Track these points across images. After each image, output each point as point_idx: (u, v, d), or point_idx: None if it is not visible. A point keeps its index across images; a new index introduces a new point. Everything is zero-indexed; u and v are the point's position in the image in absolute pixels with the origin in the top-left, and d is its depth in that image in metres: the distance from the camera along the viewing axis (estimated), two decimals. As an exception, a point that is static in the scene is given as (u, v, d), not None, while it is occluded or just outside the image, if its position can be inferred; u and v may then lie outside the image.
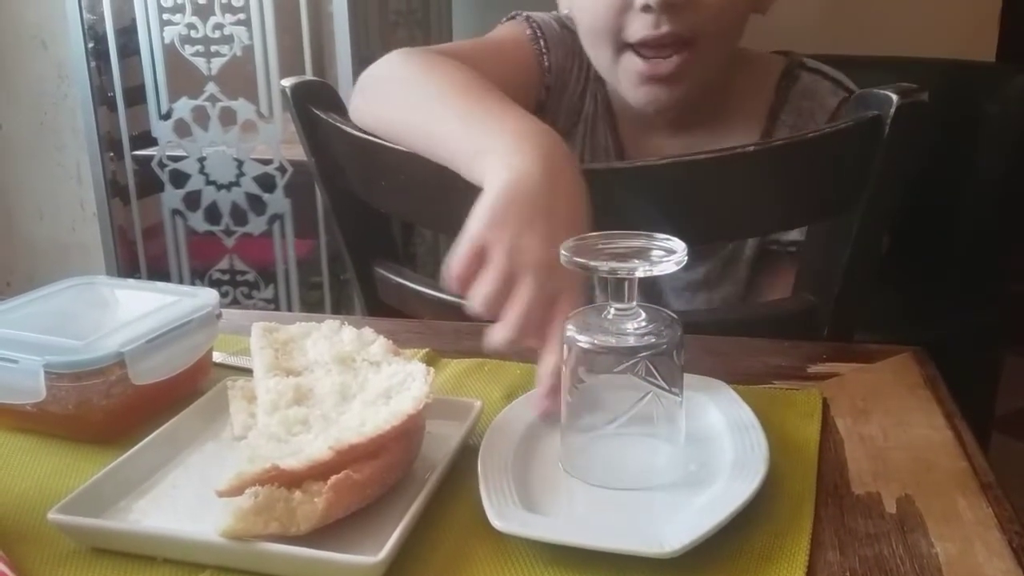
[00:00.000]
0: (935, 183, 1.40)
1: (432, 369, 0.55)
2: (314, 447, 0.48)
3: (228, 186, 1.75)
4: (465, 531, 0.49)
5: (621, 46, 0.87)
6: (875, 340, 0.73)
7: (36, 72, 2.19)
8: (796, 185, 0.75)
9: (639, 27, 0.85)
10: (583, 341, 0.52)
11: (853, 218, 0.73)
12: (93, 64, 1.76)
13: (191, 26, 1.67)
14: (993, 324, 1.54)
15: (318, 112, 0.89)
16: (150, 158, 1.77)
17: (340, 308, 1.81)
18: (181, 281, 1.84)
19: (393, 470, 0.51)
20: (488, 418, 0.58)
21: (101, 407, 0.58)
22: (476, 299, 0.59)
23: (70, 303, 0.68)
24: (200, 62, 1.68)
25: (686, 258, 0.53)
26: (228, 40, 1.66)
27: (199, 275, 1.84)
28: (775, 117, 0.93)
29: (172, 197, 1.78)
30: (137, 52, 1.71)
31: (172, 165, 1.76)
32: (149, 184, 1.81)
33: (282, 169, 1.72)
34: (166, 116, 1.73)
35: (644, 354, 0.52)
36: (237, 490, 0.46)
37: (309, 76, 1.19)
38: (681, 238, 0.54)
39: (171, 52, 1.69)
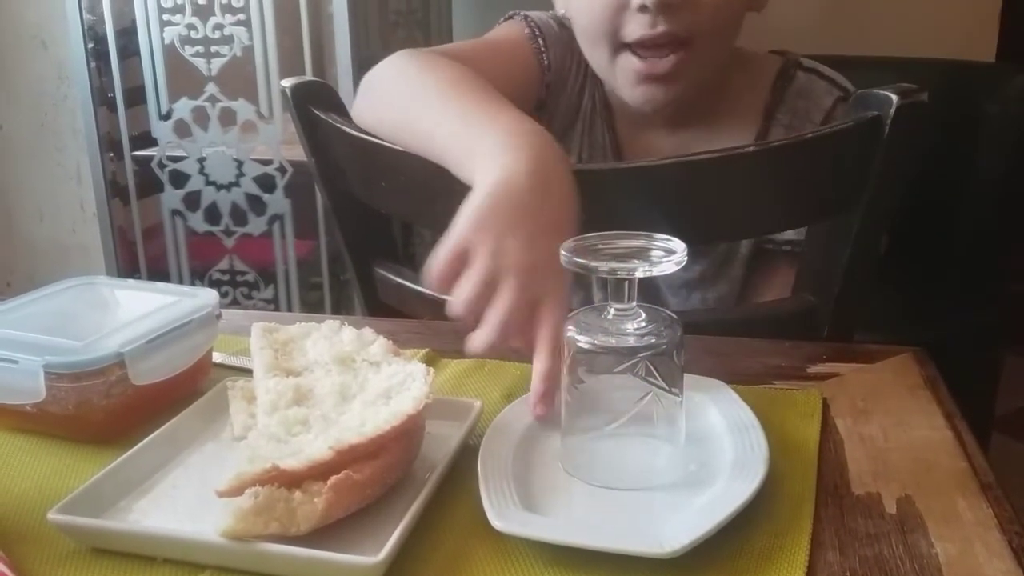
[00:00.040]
0: (935, 183, 1.40)
1: (432, 369, 0.55)
2: (314, 447, 0.48)
3: (228, 186, 1.75)
4: (465, 531, 0.49)
5: (618, 46, 0.87)
6: (875, 340, 0.73)
7: (36, 73, 2.19)
8: (796, 185, 0.75)
9: (635, 27, 0.85)
10: (583, 341, 0.52)
11: (853, 218, 0.73)
12: (93, 65, 1.76)
13: (191, 27, 1.67)
14: (993, 324, 1.54)
15: (318, 112, 0.89)
16: (150, 158, 1.77)
17: (340, 308, 1.81)
18: (181, 281, 1.84)
19: (393, 470, 0.51)
20: (488, 418, 0.58)
21: (101, 407, 0.58)
22: (457, 301, 0.59)
23: (70, 303, 0.68)
24: (200, 63, 1.68)
25: (686, 258, 0.53)
26: (228, 40, 1.66)
27: (199, 275, 1.84)
28: (771, 116, 0.94)
29: (172, 197, 1.78)
30: (137, 53, 1.71)
31: (172, 165, 1.76)
32: (149, 184, 1.81)
33: (282, 169, 1.72)
34: (166, 117, 1.73)
35: (644, 354, 0.52)
36: (237, 490, 0.46)
37: (309, 76, 1.19)
38: (681, 238, 0.54)
39: (171, 53, 1.69)
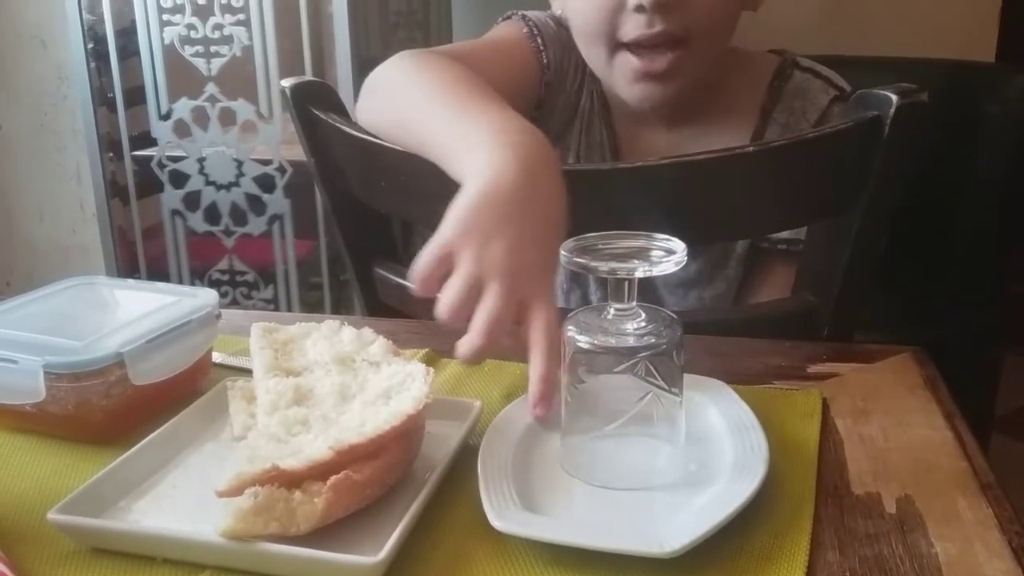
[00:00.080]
0: (935, 183, 1.40)
1: (432, 369, 0.55)
2: (314, 447, 0.48)
3: (228, 186, 1.75)
4: (465, 531, 0.49)
5: (615, 45, 0.88)
6: (875, 340, 0.73)
7: (36, 73, 2.19)
8: (796, 185, 0.75)
9: (632, 27, 0.85)
10: (583, 341, 0.52)
11: (853, 218, 0.73)
12: (93, 65, 1.76)
13: (191, 27, 1.67)
14: (993, 324, 1.54)
15: (318, 112, 0.89)
16: (150, 158, 1.77)
17: (340, 309, 1.81)
18: (180, 281, 1.84)
19: (393, 470, 0.51)
20: (488, 418, 0.58)
21: (101, 407, 0.58)
22: (441, 306, 0.59)
23: (70, 303, 0.68)
24: (200, 63, 1.68)
25: (686, 258, 0.53)
26: (228, 40, 1.66)
27: (199, 275, 1.84)
28: (767, 115, 0.94)
29: (172, 197, 1.78)
30: (137, 53, 1.71)
31: (172, 165, 1.76)
32: (149, 184, 1.81)
33: (282, 169, 1.72)
34: (166, 117, 1.73)
35: (644, 354, 0.52)
36: (237, 490, 0.46)
37: (309, 76, 1.19)
38: (680, 238, 0.54)
39: (171, 53, 1.69)
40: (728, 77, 0.96)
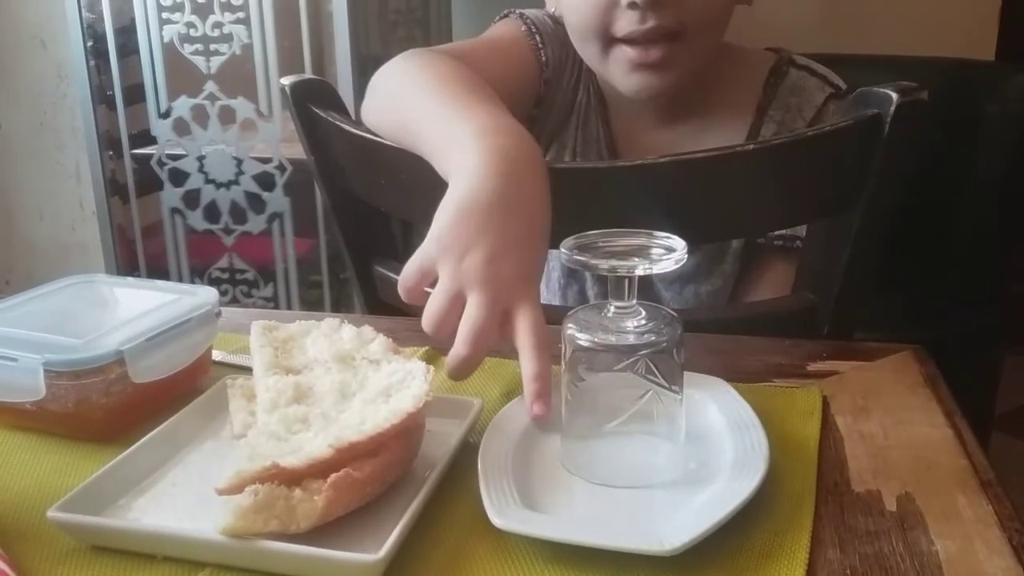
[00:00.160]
0: (935, 182, 1.40)
1: (432, 367, 0.55)
2: (314, 445, 0.48)
3: (227, 185, 1.75)
4: (465, 529, 0.49)
5: (609, 40, 0.88)
6: (875, 339, 0.73)
7: (36, 71, 2.19)
8: (796, 184, 0.75)
9: (626, 23, 0.86)
10: (583, 339, 0.52)
11: (853, 217, 0.73)
12: (92, 63, 1.76)
13: (190, 25, 1.67)
14: (993, 324, 1.54)
15: (317, 111, 0.89)
16: (149, 157, 1.77)
17: (340, 307, 1.81)
18: (180, 279, 1.84)
19: (393, 468, 0.51)
20: (488, 416, 0.57)
21: (100, 405, 0.58)
22: (423, 320, 0.60)
23: (69, 301, 0.68)
24: (199, 61, 1.68)
25: (686, 256, 0.53)
26: (227, 39, 1.66)
27: (198, 273, 1.84)
28: (763, 112, 0.95)
29: (171, 196, 1.78)
30: (136, 51, 1.71)
31: (171, 164, 1.76)
32: (148, 183, 1.81)
33: (281, 168, 1.72)
34: (165, 115, 1.73)
35: (644, 352, 0.51)
36: (237, 488, 0.46)
37: (308, 75, 1.19)
38: (680, 236, 0.54)
39: (170, 51, 1.69)
40: (724, 74, 0.96)
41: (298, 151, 1.35)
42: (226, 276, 1.82)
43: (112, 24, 1.72)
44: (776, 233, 0.93)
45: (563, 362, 0.54)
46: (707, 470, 0.53)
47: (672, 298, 0.98)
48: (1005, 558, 0.46)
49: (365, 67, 1.61)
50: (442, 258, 0.61)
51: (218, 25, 1.66)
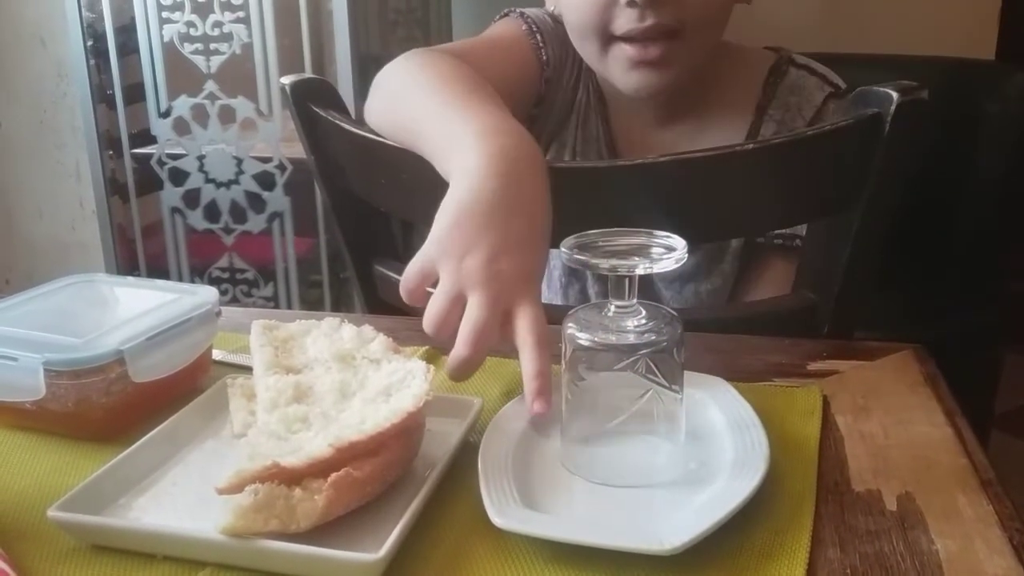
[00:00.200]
0: (935, 182, 1.40)
1: (432, 367, 0.55)
2: (314, 445, 0.48)
3: (227, 184, 1.75)
4: (465, 528, 0.49)
5: (608, 38, 0.88)
6: (875, 338, 0.73)
7: (35, 70, 2.18)
8: (796, 183, 0.75)
9: (625, 21, 0.86)
10: (583, 339, 0.52)
11: (853, 216, 0.73)
12: (92, 62, 1.76)
13: (190, 24, 1.67)
14: (993, 323, 1.54)
15: (318, 110, 0.89)
16: (149, 156, 1.77)
17: (340, 306, 1.81)
18: (180, 279, 1.84)
19: (393, 468, 0.51)
20: (488, 415, 0.57)
21: (101, 405, 0.58)
22: (424, 321, 0.60)
23: (69, 301, 0.68)
24: (199, 60, 1.68)
25: (686, 255, 0.53)
26: (227, 38, 1.66)
27: (198, 273, 1.84)
28: (763, 112, 0.95)
29: (171, 195, 1.78)
30: (136, 50, 1.71)
31: (171, 163, 1.76)
32: (148, 182, 1.81)
33: (281, 167, 1.72)
34: (165, 114, 1.73)
35: (644, 351, 0.51)
36: (237, 487, 0.46)
37: (308, 74, 1.19)
38: (680, 235, 0.54)
39: (170, 50, 1.69)
40: (724, 73, 0.96)
41: (298, 150, 1.35)
42: (226, 275, 1.82)
43: (112, 23, 1.72)
44: (776, 232, 0.93)
45: (563, 361, 0.54)
46: (707, 470, 0.52)
47: (672, 297, 0.98)
48: (1005, 557, 0.46)
49: (365, 66, 1.61)
50: (443, 259, 0.61)
51: (218, 24, 1.66)
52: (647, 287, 0.97)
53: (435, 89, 0.76)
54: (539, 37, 0.96)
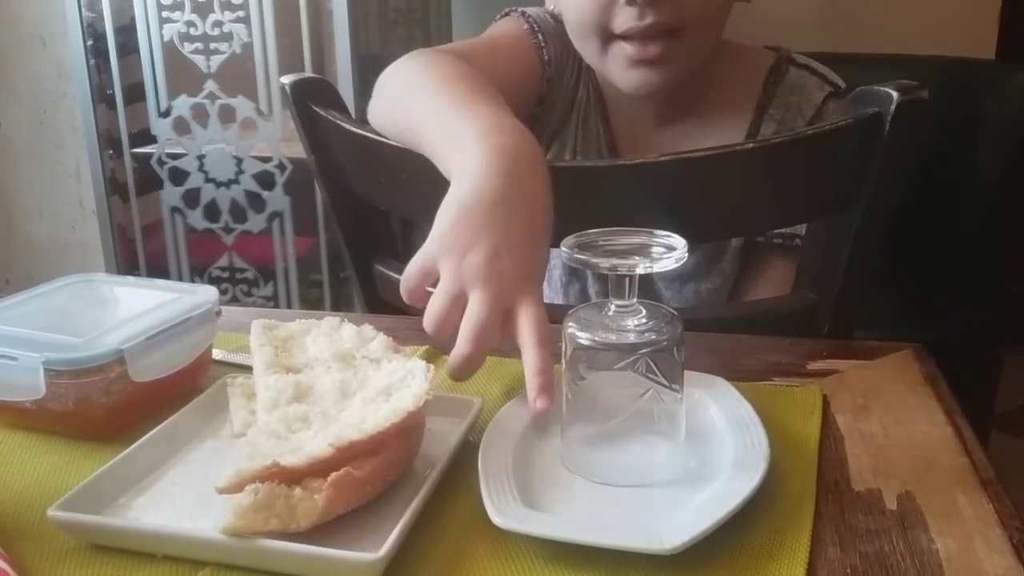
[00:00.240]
0: (935, 181, 1.40)
1: (432, 366, 0.55)
2: (314, 444, 0.48)
3: (227, 184, 1.75)
4: (465, 528, 0.49)
5: (608, 36, 0.88)
6: (875, 338, 0.73)
7: (35, 70, 2.18)
8: (796, 183, 0.75)
9: (624, 19, 0.86)
10: (583, 338, 0.52)
11: (853, 216, 0.73)
12: (92, 62, 1.76)
13: (190, 24, 1.67)
14: (993, 323, 1.54)
15: (318, 109, 0.89)
16: (149, 156, 1.77)
17: (340, 306, 1.81)
18: (180, 278, 1.84)
19: (393, 467, 0.51)
20: (488, 415, 0.57)
21: (101, 404, 0.58)
22: (425, 320, 0.60)
23: (69, 300, 0.67)
24: (199, 60, 1.68)
25: (686, 255, 0.53)
26: (227, 38, 1.66)
27: (198, 273, 1.84)
28: (763, 111, 0.95)
29: (171, 195, 1.78)
30: (136, 50, 1.71)
31: (171, 163, 1.76)
32: (148, 182, 1.81)
33: (281, 167, 1.72)
34: (165, 114, 1.73)
35: (644, 351, 0.51)
36: (237, 487, 0.46)
37: (308, 73, 1.19)
38: (680, 235, 0.54)
39: (170, 50, 1.69)
40: (724, 72, 0.96)
41: (298, 150, 1.35)
42: (226, 275, 1.82)
43: (112, 23, 1.72)
44: (776, 232, 0.93)
45: (563, 361, 0.54)
46: (707, 469, 0.52)
47: (672, 296, 0.98)
48: (1005, 556, 0.46)
49: (365, 66, 1.61)
50: (443, 257, 0.61)
51: (218, 24, 1.66)
52: (647, 286, 0.97)
53: (438, 90, 0.77)
54: (540, 37, 0.96)
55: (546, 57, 0.96)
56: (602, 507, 0.52)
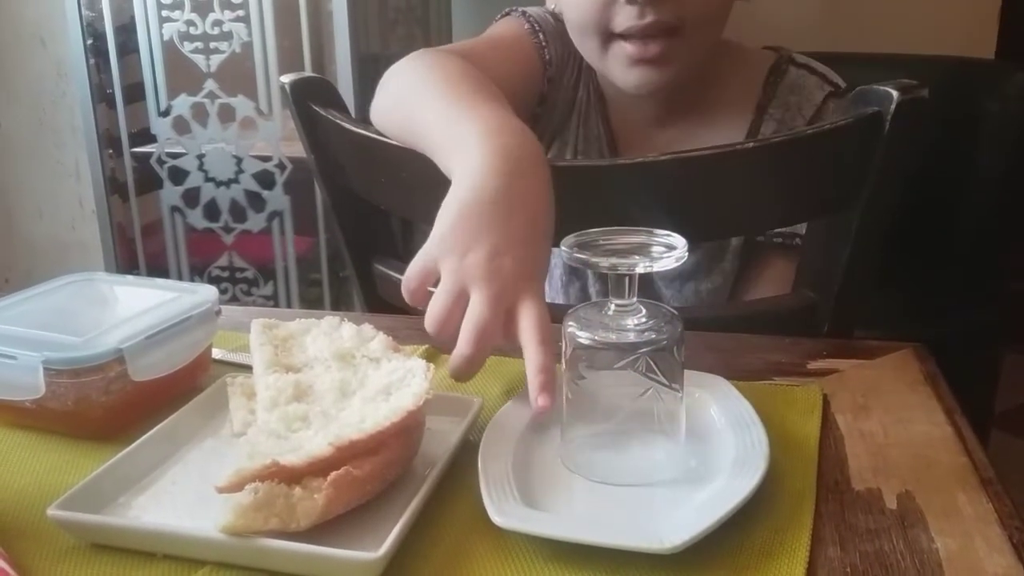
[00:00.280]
0: (935, 181, 1.40)
1: (432, 365, 0.55)
2: (314, 443, 0.48)
3: (227, 183, 1.75)
4: (465, 527, 0.49)
5: (608, 36, 0.88)
6: (875, 337, 0.73)
7: (35, 70, 2.18)
8: (796, 182, 0.75)
9: (624, 18, 0.86)
10: (583, 337, 0.52)
11: (853, 215, 0.73)
12: (92, 61, 1.76)
13: (190, 23, 1.67)
14: (993, 322, 1.54)
15: (317, 109, 0.89)
16: (149, 155, 1.77)
17: (340, 305, 1.81)
18: (180, 278, 1.84)
19: (393, 466, 0.51)
20: (488, 414, 0.57)
21: (100, 403, 0.58)
22: (426, 320, 0.60)
23: (69, 299, 0.67)
24: (199, 59, 1.68)
25: (686, 254, 0.53)
26: (227, 37, 1.66)
27: (198, 272, 1.84)
28: (763, 111, 0.95)
29: (171, 194, 1.78)
30: (136, 49, 1.71)
31: (171, 162, 1.76)
32: (148, 181, 1.81)
33: (281, 166, 1.72)
34: (165, 113, 1.73)
35: (644, 350, 0.51)
36: (237, 486, 0.46)
37: (308, 73, 1.19)
38: (680, 234, 0.54)
39: (170, 49, 1.69)
40: (724, 72, 0.96)
41: (298, 149, 1.35)
42: (226, 274, 1.82)
43: (112, 22, 1.72)
44: (776, 231, 0.93)
45: (563, 360, 0.54)
46: (707, 468, 0.52)
47: (672, 296, 0.98)
48: (1005, 556, 0.46)
49: (365, 66, 1.61)
50: (444, 257, 0.61)
51: (218, 23, 1.66)
52: (647, 286, 0.97)
53: (440, 90, 0.77)
54: (541, 36, 0.96)
55: (547, 56, 0.96)
56: (602, 506, 0.51)
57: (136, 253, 1.88)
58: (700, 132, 0.95)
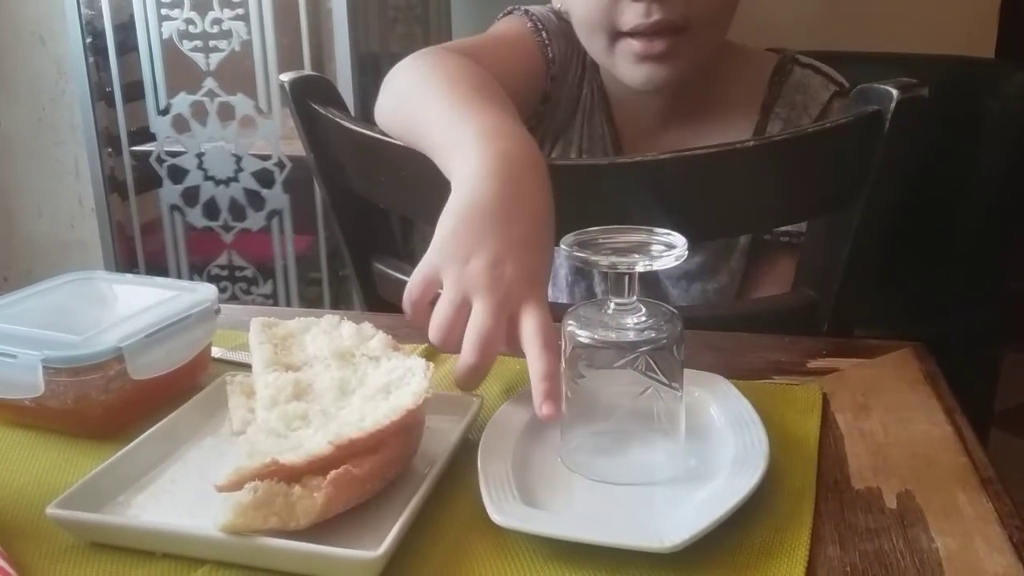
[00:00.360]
0: (935, 180, 1.40)
1: (432, 364, 0.55)
2: (313, 442, 0.48)
3: (226, 182, 1.74)
4: (465, 526, 0.49)
5: (615, 34, 0.88)
6: (875, 336, 0.73)
7: (35, 68, 2.18)
8: (796, 180, 0.75)
9: (631, 16, 0.86)
10: (583, 336, 0.52)
11: (853, 214, 0.73)
12: (91, 60, 1.76)
13: (189, 21, 1.67)
14: (993, 321, 1.54)
15: (317, 107, 0.89)
16: (148, 154, 1.77)
17: (339, 304, 1.81)
18: (179, 276, 1.84)
19: (392, 465, 0.51)
20: (488, 413, 0.57)
21: (99, 402, 0.58)
22: (430, 331, 0.59)
23: (68, 298, 0.67)
24: (198, 57, 1.68)
25: (686, 253, 0.53)
26: (226, 35, 1.66)
27: (197, 270, 1.84)
28: (769, 110, 0.95)
29: (170, 193, 1.78)
30: (135, 48, 1.71)
31: (170, 160, 1.76)
32: (147, 180, 1.81)
33: (281, 165, 1.72)
34: (164, 111, 1.73)
35: (644, 349, 0.51)
36: (236, 485, 0.46)
37: (308, 71, 1.19)
38: (681, 233, 0.54)
39: (169, 47, 1.69)
40: (728, 72, 0.96)
41: (297, 148, 1.35)
42: (225, 273, 1.82)
43: (111, 21, 1.72)
44: (782, 229, 0.93)
45: (563, 359, 0.54)
46: (707, 467, 0.52)
47: (679, 295, 0.98)
48: (1005, 555, 0.46)
49: (364, 64, 1.61)
50: (445, 266, 0.60)
51: (217, 22, 1.65)
52: (654, 286, 0.97)
53: (442, 91, 0.76)
54: (544, 35, 0.96)
55: (550, 55, 0.96)
56: (602, 505, 0.51)
57: (135, 252, 1.88)
58: (705, 131, 0.95)
